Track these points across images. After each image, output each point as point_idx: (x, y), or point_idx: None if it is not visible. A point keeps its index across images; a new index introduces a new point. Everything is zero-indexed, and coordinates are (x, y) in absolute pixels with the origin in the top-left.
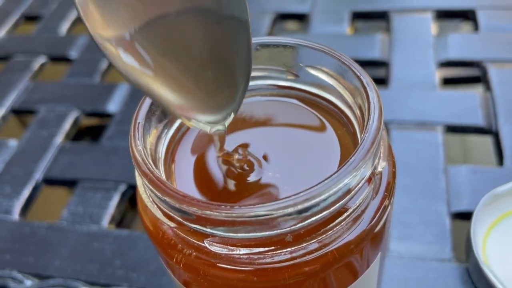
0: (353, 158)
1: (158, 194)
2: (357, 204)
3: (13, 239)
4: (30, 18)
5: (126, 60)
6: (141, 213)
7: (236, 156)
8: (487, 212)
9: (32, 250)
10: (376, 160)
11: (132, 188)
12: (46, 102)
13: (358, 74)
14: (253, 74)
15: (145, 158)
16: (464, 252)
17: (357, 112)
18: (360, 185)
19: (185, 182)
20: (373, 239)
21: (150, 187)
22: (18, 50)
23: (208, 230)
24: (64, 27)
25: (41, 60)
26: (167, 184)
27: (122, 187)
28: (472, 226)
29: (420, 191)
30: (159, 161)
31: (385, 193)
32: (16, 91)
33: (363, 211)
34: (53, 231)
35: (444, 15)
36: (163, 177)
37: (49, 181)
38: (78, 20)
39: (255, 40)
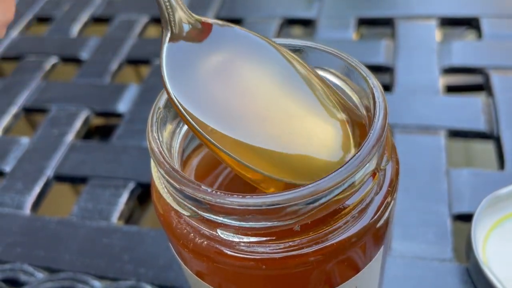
0: (359, 153)
1: (174, 183)
2: (362, 198)
3: (24, 233)
4: (42, 19)
5: None
6: (155, 203)
7: None
8: (487, 214)
9: (42, 244)
10: (381, 157)
11: (141, 186)
12: (57, 102)
13: (365, 75)
14: None
15: (161, 149)
16: (465, 252)
17: (364, 112)
18: (365, 179)
19: (196, 176)
20: (376, 233)
21: (166, 177)
22: (30, 51)
23: (220, 219)
24: (76, 29)
25: (53, 60)
26: (183, 174)
27: (131, 185)
28: (473, 227)
29: (422, 193)
30: (174, 154)
31: (389, 189)
32: (28, 90)
33: (367, 205)
34: (63, 226)
35: (448, 22)
36: (177, 166)
37: (59, 177)
38: (89, 22)
39: None
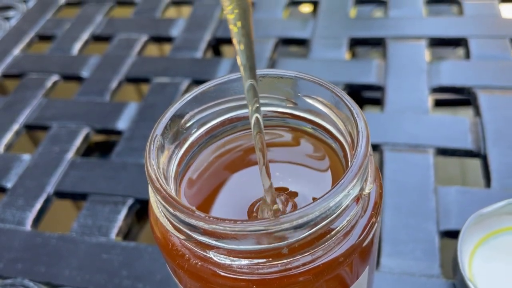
0: (342, 181)
1: (170, 209)
2: (347, 222)
3: (25, 249)
4: (43, 37)
5: None
6: (152, 225)
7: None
8: (473, 232)
9: (43, 260)
10: (364, 183)
11: (139, 202)
12: (58, 119)
13: (349, 105)
14: None
15: (158, 176)
16: (452, 268)
17: (348, 138)
18: (349, 204)
19: (191, 198)
20: (362, 253)
21: (163, 202)
22: (32, 68)
23: (213, 242)
24: (76, 47)
25: (54, 78)
26: (178, 201)
27: (130, 201)
28: (459, 244)
29: (411, 210)
30: (169, 179)
31: (373, 212)
32: (29, 108)
33: (352, 228)
34: (63, 242)
35: (437, 43)
36: (173, 191)
37: (60, 194)
38: (90, 40)
39: (259, 72)
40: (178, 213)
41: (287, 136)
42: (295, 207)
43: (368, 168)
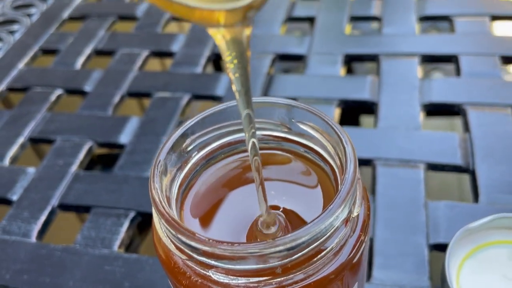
0: (331, 206)
1: (172, 231)
2: (336, 243)
3: (30, 260)
4: (47, 51)
5: None
6: (155, 244)
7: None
8: (460, 245)
9: (48, 271)
10: (352, 206)
11: (141, 215)
12: (62, 133)
13: (338, 132)
14: None
15: (162, 199)
16: (440, 281)
17: (338, 161)
18: (338, 226)
19: (192, 218)
20: (351, 270)
21: (166, 225)
22: (36, 82)
23: (213, 262)
24: (79, 62)
25: (58, 92)
26: (180, 224)
27: (132, 214)
28: (447, 257)
29: (402, 224)
30: (172, 200)
31: (361, 232)
32: (34, 121)
33: (342, 247)
34: (67, 254)
35: (429, 59)
36: (175, 214)
37: (64, 207)
38: (92, 55)
39: (256, 99)
40: (180, 236)
41: (282, 158)
42: (287, 228)
43: (356, 192)
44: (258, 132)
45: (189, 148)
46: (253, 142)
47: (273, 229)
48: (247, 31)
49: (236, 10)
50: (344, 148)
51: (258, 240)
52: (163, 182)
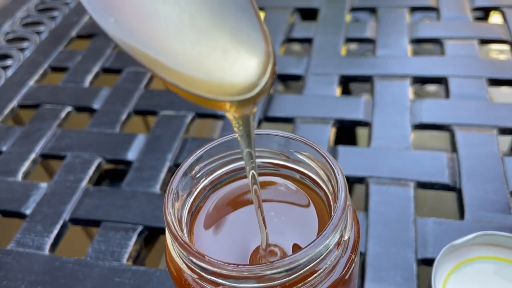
0: (325, 232)
1: (184, 253)
2: (329, 263)
3: (44, 272)
4: (56, 68)
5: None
6: (168, 263)
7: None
8: (446, 260)
9: (61, 283)
10: (343, 230)
11: (148, 229)
12: (72, 149)
13: (331, 163)
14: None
15: (175, 224)
16: None
17: (330, 188)
18: (331, 249)
19: (201, 239)
20: (343, 285)
21: (179, 247)
22: (46, 100)
23: (220, 280)
24: (88, 79)
25: (67, 109)
26: (192, 246)
27: (139, 228)
28: (433, 272)
29: (392, 239)
30: (182, 222)
31: (351, 253)
32: (45, 138)
33: (334, 267)
34: (79, 266)
35: (420, 81)
36: (186, 236)
37: (75, 220)
38: (100, 73)
39: (258, 132)
40: (191, 257)
41: (280, 183)
42: (284, 253)
43: (347, 217)
44: (259, 160)
45: (197, 175)
46: (253, 173)
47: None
48: (254, 110)
49: (247, 100)
50: (336, 177)
51: (261, 261)
52: (175, 207)
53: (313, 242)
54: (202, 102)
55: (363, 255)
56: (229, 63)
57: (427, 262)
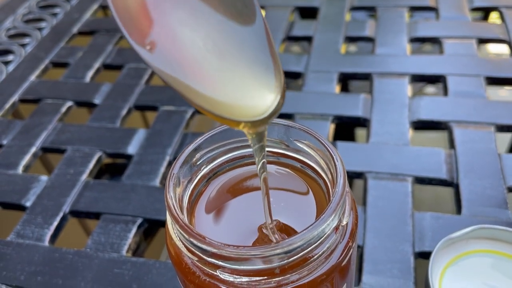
0: (323, 215)
1: (185, 235)
2: (327, 247)
3: (44, 263)
4: (57, 64)
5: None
6: (168, 246)
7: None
8: (443, 254)
9: (60, 273)
10: (342, 216)
11: (147, 222)
12: (72, 143)
13: (330, 150)
14: None
15: (176, 207)
16: (424, 286)
17: (330, 176)
18: (329, 234)
19: (201, 224)
20: (341, 272)
21: (179, 230)
22: (47, 95)
23: (220, 263)
24: (89, 75)
25: (68, 104)
26: (192, 229)
27: (139, 221)
28: (430, 265)
29: (390, 233)
30: (184, 207)
31: (349, 239)
32: (46, 132)
33: (332, 252)
34: (79, 257)
35: (419, 79)
36: (186, 219)
37: (75, 213)
38: (101, 69)
39: None
40: (192, 239)
41: (280, 171)
42: (287, 231)
43: (345, 203)
44: None
45: (198, 162)
46: (263, 162)
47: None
48: (266, 127)
49: (261, 120)
50: (335, 164)
51: (261, 243)
52: (176, 192)
53: (312, 225)
54: (221, 121)
55: (361, 248)
56: (246, 88)
57: (424, 256)
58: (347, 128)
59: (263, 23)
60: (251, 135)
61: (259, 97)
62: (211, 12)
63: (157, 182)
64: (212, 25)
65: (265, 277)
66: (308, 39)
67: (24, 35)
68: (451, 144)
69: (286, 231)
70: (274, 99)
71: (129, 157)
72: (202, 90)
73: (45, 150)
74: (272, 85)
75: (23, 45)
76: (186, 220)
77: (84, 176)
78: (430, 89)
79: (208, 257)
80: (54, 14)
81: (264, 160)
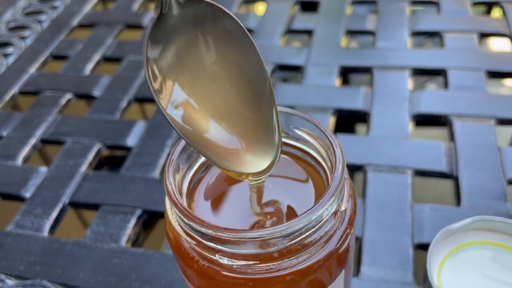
0: (321, 200)
1: (184, 219)
2: (325, 232)
3: (43, 253)
4: (57, 57)
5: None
6: (167, 231)
7: (269, 216)
8: (442, 245)
9: (60, 263)
10: (340, 201)
11: (146, 213)
12: (72, 135)
13: (329, 137)
14: None
15: (174, 191)
16: (422, 277)
17: (329, 164)
18: (327, 219)
19: (200, 210)
20: (338, 258)
21: (178, 214)
22: (46, 87)
23: (218, 246)
24: (88, 68)
25: (68, 96)
26: (191, 212)
27: (138, 212)
28: (428, 256)
29: (389, 225)
30: (183, 193)
31: (347, 225)
32: (45, 123)
33: (330, 237)
34: (78, 248)
35: (419, 72)
36: (185, 204)
37: (74, 204)
38: (101, 62)
39: None
40: (191, 223)
41: (280, 159)
42: (284, 215)
43: (344, 189)
44: None
45: None
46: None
47: (269, 220)
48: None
49: (260, 172)
50: (334, 150)
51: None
52: (176, 178)
53: (310, 209)
54: (228, 173)
55: (360, 240)
56: (248, 148)
57: (423, 247)
58: (347, 124)
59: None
60: (251, 182)
61: (258, 153)
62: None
63: (156, 173)
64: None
65: (263, 261)
66: (309, 32)
67: (24, 27)
68: (451, 137)
69: (285, 214)
70: (273, 154)
71: (128, 149)
72: (210, 150)
73: (44, 142)
74: (272, 143)
75: (23, 38)
76: (185, 204)
77: (84, 168)
78: (431, 85)
79: (207, 241)
80: (54, 7)
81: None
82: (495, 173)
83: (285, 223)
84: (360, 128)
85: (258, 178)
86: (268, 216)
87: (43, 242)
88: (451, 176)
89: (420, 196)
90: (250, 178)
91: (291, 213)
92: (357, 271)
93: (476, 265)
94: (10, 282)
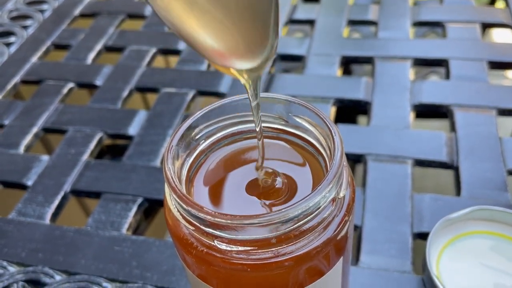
0: (320, 186)
1: (183, 205)
2: (323, 219)
3: (45, 240)
4: (59, 46)
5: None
6: (166, 218)
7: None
8: (441, 234)
9: (61, 251)
10: (339, 188)
11: (148, 201)
12: (73, 124)
13: (329, 125)
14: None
15: (174, 177)
16: (421, 266)
17: (328, 152)
18: (326, 205)
19: (199, 197)
20: (336, 245)
21: (177, 200)
22: (48, 76)
23: (217, 232)
24: (90, 57)
25: (70, 85)
26: (190, 198)
27: (139, 200)
28: (428, 245)
29: (389, 214)
30: (182, 180)
31: (346, 212)
32: (47, 112)
33: (328, 224)
34: (79, 235)
35: (421, 63)
36: (184, 190)
37: (76, 192)
38: (103, 51)
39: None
40: (190, 209)
41: (279, 147)
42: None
43: (342, 176)
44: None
45: (197, 137)
46: (258, 104)
47: (270, 182)
48: (262, 72)
49: (255, 68)
50: (333, 137)
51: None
52: (175, 165)
53: (309, 195)
54: (222, 70)
55: (359, 229)
56: (244, 41)
57: (423, 236)
58: (349, 116)
59: None
60: (247, 82)
61: (255, 47)
62: None
63: (157, 162)
64: None
65: (261, 247)
66: (311, 22)
67: (26, 17)
68: (452, 127)
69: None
70: (269, 49)
71: (130, 138)
72: (205, 39)
73: (46, 130)
74: (268, 36)
75: (25, 27)
76: (184, 190)
77: (85, 156)
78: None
79: (205, 227)
80: None
81: (260, 115)
82: (496, 163)
83: (283, 209)
84: (362, 119)
85: (253, 75)
86: (270, 178)
87: (45, 230)
88: (452, 166)
89: (421, 186)
90: (244, 75)
91: (290, 199)
92: (356, 260)
93: (475, 255)
94: (12, 269)
